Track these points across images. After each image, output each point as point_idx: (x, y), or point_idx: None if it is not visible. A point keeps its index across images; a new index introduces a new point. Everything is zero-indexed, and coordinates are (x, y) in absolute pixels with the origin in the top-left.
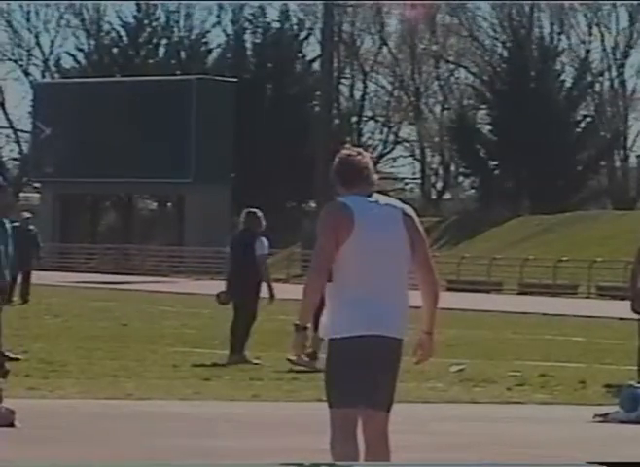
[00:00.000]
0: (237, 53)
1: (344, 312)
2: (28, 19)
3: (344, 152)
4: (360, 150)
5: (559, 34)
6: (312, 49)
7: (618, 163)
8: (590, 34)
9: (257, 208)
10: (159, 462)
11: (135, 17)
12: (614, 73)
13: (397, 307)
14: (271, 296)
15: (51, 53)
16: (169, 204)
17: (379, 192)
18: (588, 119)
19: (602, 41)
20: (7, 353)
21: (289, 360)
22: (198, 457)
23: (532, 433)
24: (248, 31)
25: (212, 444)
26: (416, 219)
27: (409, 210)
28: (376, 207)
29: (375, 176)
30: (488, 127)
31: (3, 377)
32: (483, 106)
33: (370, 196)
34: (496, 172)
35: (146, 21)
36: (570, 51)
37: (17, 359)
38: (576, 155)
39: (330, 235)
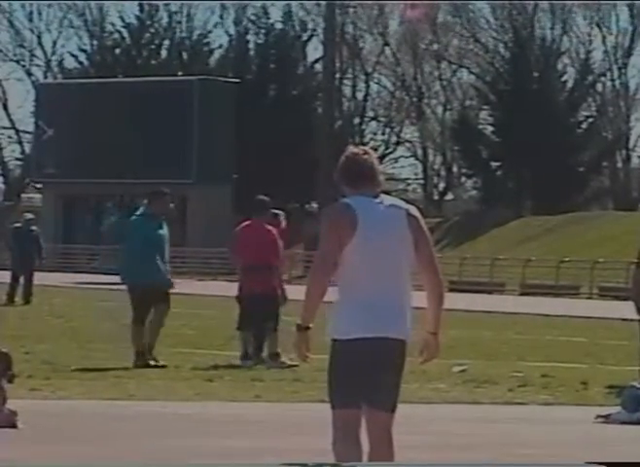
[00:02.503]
0: (240, 54)
1: (348, 314)
2: (31, 20)
3: (351, 151)
4: (366, 149)
5: (561, 35)
6: (315, 49)
7: (620, 164)
8: (592, 35)
9: (278, 209)
10: (160, 463)
11: (138, 17)
12: (615, 73)
13: (401, 309)
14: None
15: (53, 53)
16: (171, 205)
17: (383, 192)
18: (590, 119)
19: (603, 41)
20: (150, 362)
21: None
22: (200, 458)
23: (534, 434)
24: (251, 32)
25: (214, 444)
26: (421, 219)
27: (414, 211)
28: (381, 208)
29: (382, 176)
30: (490, 128)
31: (10, 382)
32: (485, 107)
33: (376, 196)
34: (498, 173)
35: (148, 22)
36: (572, 51)
37: (164, 366)
38: (578, 155)
39: (333, 237)
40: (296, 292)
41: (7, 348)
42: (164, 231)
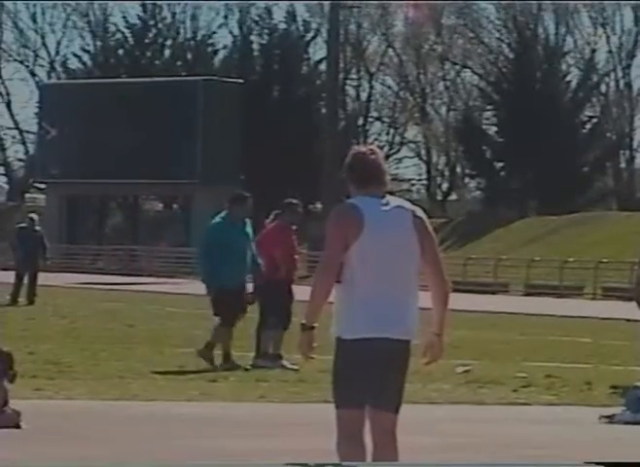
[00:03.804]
0: (244, 55)
1: (353, 314)
2: (34, 20)
3: (358, 150)
4: (373, 148)
5: (565, 35)
6: (318, 50)
7: (623, 164)
8: (596, 35)
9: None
10: (164, 463)
11: (141, 18)
12: (619, 74)
13: (406, 309)
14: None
15: (57, 53)
16: (175, 205)
17: (387, 192)
18: (594, 120)
19: (607, 42)
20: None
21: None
22: (203, 458)
23: (538, 434)
24: (255, 32)
25: (217, 444)
26: (427, 221)
27: (420, 212)
28: (387, 209)
29: (388, 177)
30: (494, 128)
31: (11, 382)
32: (489, 107)
33: (382, 197)
34: (502, 173)
35: (152, 22)
36: (575, 51)
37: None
38: (581, 156)
39: (339, 237)
40: (300, 292)
41: (7, 348)
42: (248, 233)
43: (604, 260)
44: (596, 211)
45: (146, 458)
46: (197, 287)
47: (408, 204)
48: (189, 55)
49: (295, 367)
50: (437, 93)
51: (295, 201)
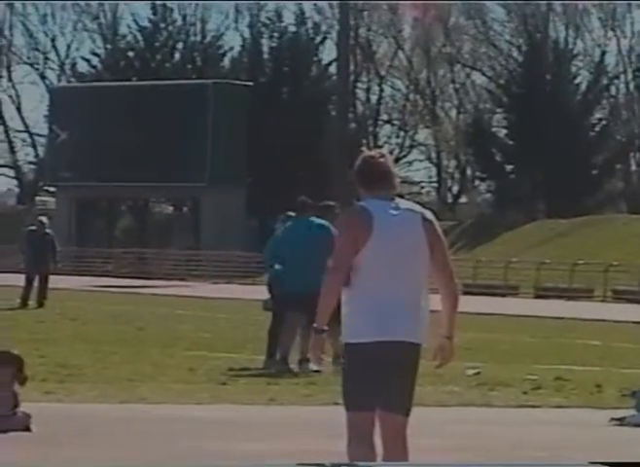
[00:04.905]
0: (253, 57)
1: (362, 317)
2: (45, 23)
3: (367, 154)
4: (383, 152)
5: (574, 37)
6: (328, 53)
7: (633, 167)
8: (606, 37)
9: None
10: (172, 465)
11: (151, 20)
12: (629, 76)
13: (415, 312)
14: None
15: (67, 56)
16: (185, 208)
17: (396, 195)
18: (604, 122)
19: (618, 44)
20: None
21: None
22: (213, 461)
23: (548, 436)
24: (264, 35)
25: (228, 447)
26: (436, 224)
27: (429, 215)
28: (396, 211)
29: (397, 180)
30: (504, 131)
31: (22, 385)
32: (499, 110)
33: (392, 199)
34: (512, 176)
35: (162, 25)
36: (585, 54)
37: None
38: (591, 158)
39: (348, 239)
40: None
41: (17, 350)
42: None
43: (614, 262)
44: (606, 214)
45: (156, 461)
46: (206, 289)
47: (417, 207)
48: (198, 58)
49: (320, 368)
50: (446, 96)
51: (332, 204)
